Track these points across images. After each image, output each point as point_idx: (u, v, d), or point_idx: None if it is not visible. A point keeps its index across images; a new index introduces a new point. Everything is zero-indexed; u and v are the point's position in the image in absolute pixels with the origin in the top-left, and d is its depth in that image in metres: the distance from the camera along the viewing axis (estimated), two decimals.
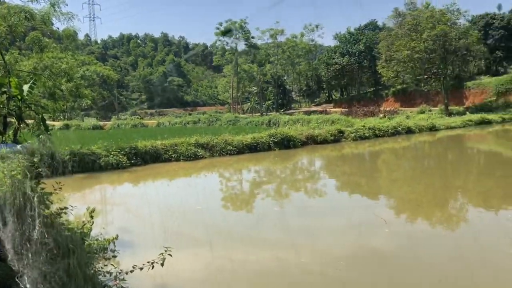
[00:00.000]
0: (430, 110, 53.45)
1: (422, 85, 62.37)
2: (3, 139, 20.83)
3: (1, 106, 20.27)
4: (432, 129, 38.17)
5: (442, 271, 7.33)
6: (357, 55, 74.99)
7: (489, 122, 43.45)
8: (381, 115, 47.52)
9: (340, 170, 20.78)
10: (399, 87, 67.94)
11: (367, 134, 31.69)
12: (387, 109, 54.29)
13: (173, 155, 21.60)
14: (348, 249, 8.43)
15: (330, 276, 7.13)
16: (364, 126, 32.94)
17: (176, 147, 22.04)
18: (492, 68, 63.36)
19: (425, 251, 8.37)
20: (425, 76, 61.26)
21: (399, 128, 34.71)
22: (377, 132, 32.76)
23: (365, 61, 75.03)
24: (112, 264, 5.64)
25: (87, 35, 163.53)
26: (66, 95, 38.63)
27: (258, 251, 8.56)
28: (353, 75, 78.79)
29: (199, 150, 22.71)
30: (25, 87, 18.45)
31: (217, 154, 23.24)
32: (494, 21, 62.39)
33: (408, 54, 51.13)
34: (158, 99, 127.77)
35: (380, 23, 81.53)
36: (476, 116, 44.41)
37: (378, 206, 12.36)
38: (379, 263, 7.75)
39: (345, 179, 18.23)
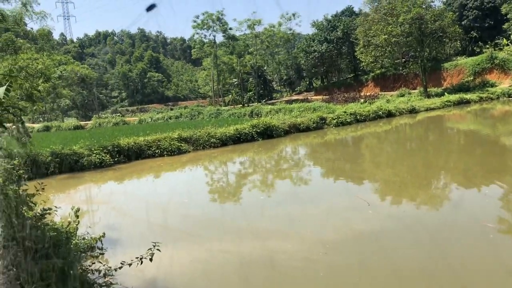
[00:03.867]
0: (409, 93, 54.03)
1: (401, 68, 63.03)
2: None
3: None
4: (412, 111, 38.65)
5: (425, 250, 7.52)
6: (335, 42, 75.17)
7: (467, 102, 44.10)
8: (362, 100, 47.86)
9: (324, 156, 20.95)
10: (378, 71, 68.48)
11: (348, 120, 31.95)
12: (368, 94, 54.70)
13: (157, 151, 21.51)
14: (333, 233, 8.56)
15: (317, 260, 7.25)
16: (345, 112, 33.19)
17: (159, 143, 21.94)
18: (468, 49, 64.20)
19: (408, 231, 8.55)
20: (403, 60, 61.90)
21: (380, 112, 35.04)
22: (358, 117, 33.05)
23: (343, 47, 75.31)
24: (100, 262, 5.65)
25: (62, 34, 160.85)
26: (44, 96, 38.06)
27: (246, 241, 8.64)
28: (333, 62, 79.05)
29: (182, 145, 22.66)
30: (1, 90, 18.13)
31: (201, 148, 23.22)
32: (468, 1, 63.08)
33: (386, 38, 51.47)
34: (138, 95, 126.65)
35: (356, 9, 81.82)
36: (455, 97, 45.04)
37: (362, 190, 12.56)
38: (363, 245, 7.91)
39: (329, 165, 18.41)
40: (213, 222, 10.29)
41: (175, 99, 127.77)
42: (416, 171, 15.31)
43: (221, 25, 76.81)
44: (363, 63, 62.49)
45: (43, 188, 6.22)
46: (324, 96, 64.11)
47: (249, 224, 9.76)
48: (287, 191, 13.46)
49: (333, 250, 7.64)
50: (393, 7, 52.28)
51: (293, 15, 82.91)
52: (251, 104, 69.69)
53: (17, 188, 6.18)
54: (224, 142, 24.29)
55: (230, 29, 78.69)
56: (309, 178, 15.50)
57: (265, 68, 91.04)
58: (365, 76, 73.88)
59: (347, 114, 32.51)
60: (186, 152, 22.35)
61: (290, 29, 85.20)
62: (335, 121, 31.14)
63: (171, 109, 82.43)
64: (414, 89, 57.60)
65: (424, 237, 8.06)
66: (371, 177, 15.01)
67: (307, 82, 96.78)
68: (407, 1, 50.69)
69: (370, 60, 58.30)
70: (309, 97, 72.69)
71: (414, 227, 8.71)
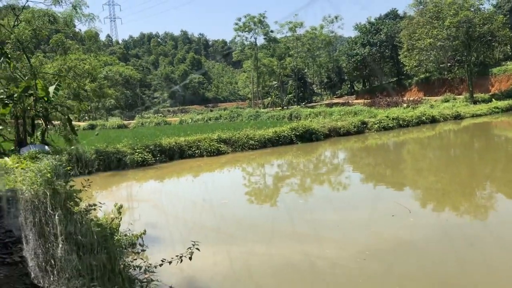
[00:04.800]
0: (454, 99, 52.25)
1: (446, 73, 61.09)
2: (32, 140, 21.43)
3: (29, 108, 20.83)
4: (457, 117, 37.44)
5: (469, 263, 7.24)
6: (378, 45, 73.79)
7: None
8: (405, 105, 46.78)
9: (364, 161, 20.61)
10: (422, 76, 66.72)
11: (390, 125, 31.34)
12: (411, 98, 53.40)
13: (197, 151, 21.82)
14: (373, 240, 8.39)
15: (355, 267, 7.12)
16: (387, 116, 32.59)
17: (199, 143, 22.25)
18: None
19: (450, 241, 8.27)
20: (449, 64, 60.01)
21: (423, 118, 34.18)
22: (401, 122, 32.38)
23: (386, 50, 73.80)
24: (141, 258, 5.76)
25: (108, 36, 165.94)
26: (90, 95, 39.43)
27: (284, 244, 8.61)
28: (375, 66, 77.60)
29: (221, 146, 22.87)
30: (51, 89, 18.85)
31: (240, 149, 23.35)
32: None
33: (431, 42, 50.15)
34: (180, 97, 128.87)
35: (400, 12, 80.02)
36: (503, 103, 43.24)
37: (403, 197, 12.25)
38: (404, 253, 7.71)
39: (369, 170, 18.09)
40: (251, 224, 10.31)
41: (215, 101, 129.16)
42: (460, 179, 14.80)
43: (262, 27, 77.01)
44: (407, 67, 61.03)
45: (89, 185, 6.42)
46: (366, 100, 63.00)
47: (287, 228, 9.72)
48: (325, 196, 13.32)
49: (372, 257, 7.49)
50: (439, 10, 50.85)
51: (336, 17, 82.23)
52: (290, 107, 69.46)
53: (64, 183, 6.42)
54: (263, 144, 24.33)
55: (272, 31, 78.80)
56: (348, 183, 15.29)
57: (305, 70, 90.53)
58: (409, 81, 72.13)
59: (389, 119, 31.90)
60: (225, 153, 22.54)
61: (332, 32, 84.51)
62: (376, 125, 30.62)
63: (211, 111, 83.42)
64: (460, 94, 55.68)
65: (467, 249, 7.77)
66: (413, 184, 14.64)
67: (349, 86, 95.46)
68: (454, 4, 49.14)
69: (414, 64, 56.89)
70: (350, 101, 71.58)
71: (457, 238, 8.40)
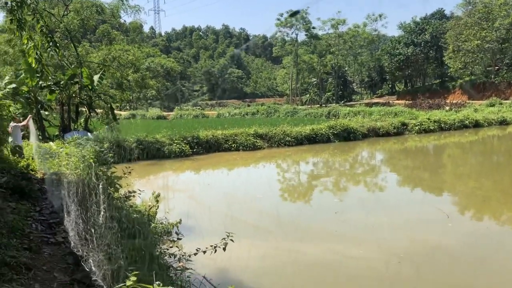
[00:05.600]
0: (500, 103, 50.18)
1: (493, 76, 58.84)
2: (75, 127, 22.21)
3: (74, 95, 21.59)
4: (503, 122, 35.99)
5: (506, 272, 7.00)
6: (422, 45, 71.87)
7: None
8: (447, 108, 45.46)
9: (402, 163, 20.20)
10: (467, 78, 64.52)
11: (432, 127, 30.55)
12: (454, 101, 51.79)
13: (233, 145, 22.00)
14: (409, 244, 8.24)
15: (389, 270, 7.01)
16: (429, 119, 31.77)
17: (235, 137, 22.42)
18: None
19: (490, 249, 8.01)
20: (496, 68, 57.77)
21: (467, 122, 33.11)
22: (442, 125, 31.52)
23: (431, 51, 71.80)
24: (177, 247, 5.87)
25: (152, 28, 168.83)
26: (133, 86, 40.37)
27: (317, 242, 8.57)
28: (418, 66, 75.73)
29: (257, 141, 22.95)
30: (95, 78, 19.50)
31: (276, 145, 23.37)
32: None
33: (478, 44, 48.49)
34: (218, 90, 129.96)
35: (447, 12, 77.62)
36: None
37: (441, 202, 11.94)
38: (440, 259, 7.52)
39: (407, 173, 17.72)
40: (284, 220, 10.32)
41: (252, 96, 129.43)
42: (503, 186, 14.26)
43: (304, 23, 76.55)
44: (451, 69, 59.29)
45: (129, 172, 6.59)
46: (407, 101, 61.65)
47: (320, 226, 9.67)
48: (361, 196, 13.15)
49: (407, 261, 7.35)
50: (489, 11, 49.05)
51: (380, 16, 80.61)
52: (328, 105, 68.82)
53: (106, 170, 6.63)
54: (299, 141, 24.24)
55: (313, 28, 78.21)
56: (385, 185, 15.03)
57: (346, 68, 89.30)
58: (452, 83, 69.93)
59: (430, 121, 31.10)
60: (261, 148, 22.61)
61: (375, 30, 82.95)
62: (417, 127, 29.93)
63: (248, 105, 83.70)
64: (507, 99, 53.50)
65: (509, 259, 7.50)
66: (452, 189, 14.24)
67: (390, 86, 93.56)
68: (506, 5, 47.26)
69: (459, 66, 55.17)
70: (390, 101, 70.12)
71: (497, 247, 8.13)
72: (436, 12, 78.66)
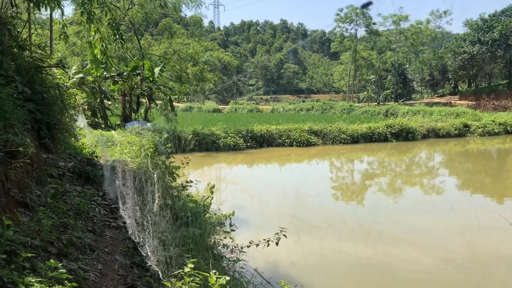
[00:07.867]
0: None
1: None
2: (136, 117, 23.05)
3: (135, 86, 22.40)
4: None
5: None
6: (490, 43, 68.09)
7: None
8: None
9: (463, 167, 19.34)
10: None
11: (496, 130, 29.03)
12: None
13: (287, 140, 22.00)
14: (466, 250, 7.91)
15: (443, 276, 6.76)
16: (493, 121, 30.20)
17: (289, 133, 22.40)
18: None
19: None
20: None
21: None
22: (508, 128, 29.85)
23: (499, 50, 67.93)
24: (230, 237, 5.96)
25: (211, 22, 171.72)
26: (191, 79, 41.26)
27: (368, 243, 8.42)
28: (484, 66, 71.90)
29: (312, 137, 22.80)
30: (156, 70, 20.14)
31: (330, 142, 23.11)
32: None
33: None
34: (273, 85, 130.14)
35: None
36: None
37: (503, 208, 11.33)
38: (499, 267, 7.16)
39: (467, 176, 16.95)
40: (337, 219, 10.21)
41: (308, 92, 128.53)
42: None
43: (364, 19, 74.88)
44: None
45: (187, 163, 6.75)
46: (470, 102, 58.85)
47: (373, 227, 9.48)
48: (417, 199, 12.74)
49: (463, 267, 7.06)
50: None
51: (445, 12, 77.29)
52: (386, 103, 67.06)
53: (164, 159, 6.85)
54: (355, 139, 23.84)
55: (374, 23, 76.30)
56: (443, 188, 14.47)
57: (406, 66, 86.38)
58: None
59: (495, 124, 29.56)
60: (315, 145, 22.45)
61: (439, 27, 79.64)
62: (480, 129, 28.56)
63: (303, 101, 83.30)
64: None
65: None
66: None
67: (452, 85, 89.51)
68: None
69: None
70: (452, 101, 67.14)
71: None
72: (507, 9, 74.24)
